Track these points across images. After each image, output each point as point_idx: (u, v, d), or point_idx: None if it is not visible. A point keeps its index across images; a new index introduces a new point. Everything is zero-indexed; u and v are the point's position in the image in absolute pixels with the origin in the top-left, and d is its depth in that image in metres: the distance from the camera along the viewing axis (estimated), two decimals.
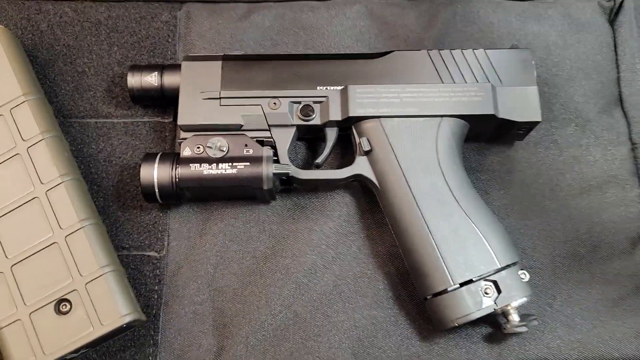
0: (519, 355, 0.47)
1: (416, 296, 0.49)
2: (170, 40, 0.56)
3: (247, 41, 0.57)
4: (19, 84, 0.49)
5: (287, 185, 0.52)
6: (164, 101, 0.52)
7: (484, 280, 0.45)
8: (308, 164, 0.54)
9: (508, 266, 0.45)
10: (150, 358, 0.47)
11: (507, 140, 0.54)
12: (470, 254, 0.45)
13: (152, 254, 0.50)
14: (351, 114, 0.49)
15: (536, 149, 0.54)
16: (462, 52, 0.51)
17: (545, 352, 0.47)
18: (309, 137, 0.54)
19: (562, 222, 0.52)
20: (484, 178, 0.53)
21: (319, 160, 0.51)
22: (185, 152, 0.49)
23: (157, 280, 0.50)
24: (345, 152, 0.54)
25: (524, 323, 0.45)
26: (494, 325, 0.48)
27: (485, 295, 0.44)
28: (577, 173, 0.53)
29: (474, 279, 0.45)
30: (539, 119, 0.49)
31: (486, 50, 0.51)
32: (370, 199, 0.52)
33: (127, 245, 0.51)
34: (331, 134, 0.51)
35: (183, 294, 0.49)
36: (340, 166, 0.53)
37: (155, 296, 0.49)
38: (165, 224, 0.51)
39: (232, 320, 0.49)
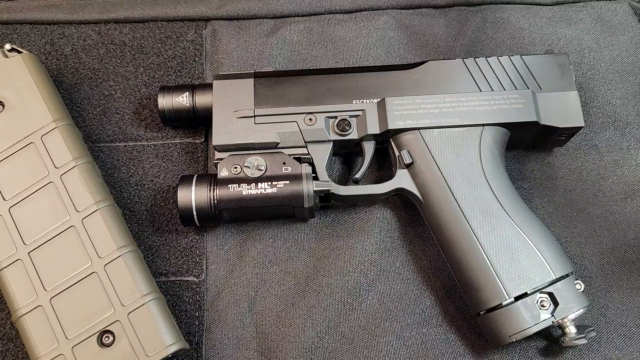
0: None
1: (466, 312, 0.48)
2: (197, 59, 0.55)
3: (276, 57, 0.56)
4: (49, 110, 0.48)
5: (325, 202, 0.50)
6: (196, 122, 0.51)
7: (540, 292, 0.43)
8: (344, 179, 0.52)
9: (563, 277, 0.44)
10: None
11: (547, 146, 0.53)
12: (523, 266, 0.44)
13: (191, 278, 0.49)
14: (390, 127, 0.48)
15: (576, 155, 0.53)
16: (498, 59, 0.50)
17: None
18: (344, 152, 0.53)
19: (608, 229, 0.51)
20: (526, 186, 0.52)
21: (357, 175, 0.49)
22: (223, 172, 0.47)
23: (198, 306, 0.48)
24: (382, 165, 0.52)
25: (582, 335, 0.43)
26: (548, 338, 0.47)
27: (542, 308, 0.43)
28: (619, 177, 0.52)
29: (529, 292, 0.43)
30: (582, 124, 0.48)
31: (522, 56, 0.50)
32: (410, 212, 0.51)
33: (164, 271, 0.49)
34: (369, 148, 0.49)
35: (225, 319, 0.48)
36: (377, 180, 0.52)
37: (197, 322, 0.48)
38: (202, 248, 0.50)
39: (277, 344, 0.47)
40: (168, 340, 0.43)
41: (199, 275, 0.49)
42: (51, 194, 0.45)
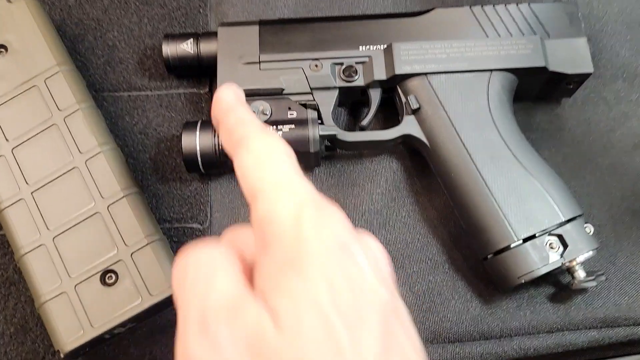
0: (587, 314, 0.45)
1: (473, 259, 0.47)
2: (201, 10, 0.55)
3: (281, 8, 0.55)
4: (52, 54, 0.47)
5: (331, 151, 0.50)
6: (201, 70, 0.51)
7: (549, 234, 0.43)
8: (351, 129, 0.52)
9: (572, 219, 0.43)
10: None
11: (555, 97, 0.52)
12: (532, 208, 0.43)
13: (195, 226, 0.48)
14: (397, 72, 0.47)
15: (584, 107, 0.52)
16: (505, 7, 0.49)
17: (614, 310, 0.45)
18: (350, 102, 0.52)
19: (617, 179, 0.50)
20: (534, 137, 0.51)
21: (364, 122, 0.49)
22: None
23: None
24: (387, 116, 0.52)
25: (592, 278, 0.43)
26: (557, 285, 0.46)
27: (551, 249, 0.42)
28: (628, 129, 0.51)
29: (537, 234, 0.43)
30: (591, 70, 0.48)
31: (530, 4, 0.50)
32: (416, 163, 0.50)
33: (168, 218, 0.49)
34: (375, 95, 0.49)
35: None
36: (384, 129, 0.51)
37: None
38: (207, 195, 0.49)
39: None
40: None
41: (203, 223, 0.49)
42: (54, 136, 0.45)
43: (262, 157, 0.27)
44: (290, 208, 0.25)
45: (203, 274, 0.25)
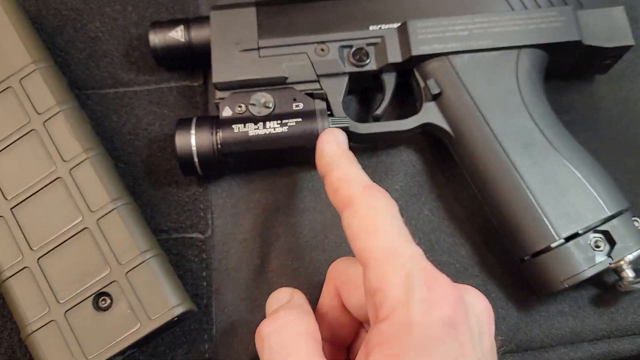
0: (635, 318, 0.40)
1: (506, 260, 0.42)
2: None
3: None
4: (27, 51, 0.42)
5: None
6: (193, 60, 0.45)
7: (593, 231, 0.38)
8: (363, 119, 0.47)
9: (619, 213, 0.38)
10: (207, 355, 0.41)
11: (588, 74, 0.47)
12: (573, 203, 0.38)
13: (195, 235, 0.44)
14: (414, 53, 0.42)
15: (620, 83, 0.47)
16: None
17: None
18: (361, 88, 0.47)
19: None
20: (567, 119, 0.45)
21: (378, 111, 0.44)
22: (225, 112, 0.42)
23: (205, 265, 0.43)
24: (404, 103, 0.47)
25: None
26: (601, 286, 0.41)
27: (596, 249, 0.38)
28: None
29: (580, 232, 0.38)
30: (632, 43, 0.43)
31: None
32: (437, 153, 0.45)
33: (165, 228, 0.44)
34: (389, 81, 0.44)
35: (236, 278, 0.43)
36: (401, 118, 0.46)
37: (204, 283, 0.43)
38: (207, 201, 0.45)
39: None
40: (173, 301, 0.37)
41: (204, 232, 0.44)
42: (34, 143, 0.40)
43: (368, 222, 0.30)
44: (399, 281, 0.28)
45: (278, 347, 0.30)
